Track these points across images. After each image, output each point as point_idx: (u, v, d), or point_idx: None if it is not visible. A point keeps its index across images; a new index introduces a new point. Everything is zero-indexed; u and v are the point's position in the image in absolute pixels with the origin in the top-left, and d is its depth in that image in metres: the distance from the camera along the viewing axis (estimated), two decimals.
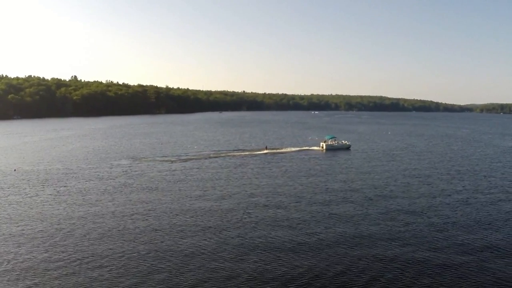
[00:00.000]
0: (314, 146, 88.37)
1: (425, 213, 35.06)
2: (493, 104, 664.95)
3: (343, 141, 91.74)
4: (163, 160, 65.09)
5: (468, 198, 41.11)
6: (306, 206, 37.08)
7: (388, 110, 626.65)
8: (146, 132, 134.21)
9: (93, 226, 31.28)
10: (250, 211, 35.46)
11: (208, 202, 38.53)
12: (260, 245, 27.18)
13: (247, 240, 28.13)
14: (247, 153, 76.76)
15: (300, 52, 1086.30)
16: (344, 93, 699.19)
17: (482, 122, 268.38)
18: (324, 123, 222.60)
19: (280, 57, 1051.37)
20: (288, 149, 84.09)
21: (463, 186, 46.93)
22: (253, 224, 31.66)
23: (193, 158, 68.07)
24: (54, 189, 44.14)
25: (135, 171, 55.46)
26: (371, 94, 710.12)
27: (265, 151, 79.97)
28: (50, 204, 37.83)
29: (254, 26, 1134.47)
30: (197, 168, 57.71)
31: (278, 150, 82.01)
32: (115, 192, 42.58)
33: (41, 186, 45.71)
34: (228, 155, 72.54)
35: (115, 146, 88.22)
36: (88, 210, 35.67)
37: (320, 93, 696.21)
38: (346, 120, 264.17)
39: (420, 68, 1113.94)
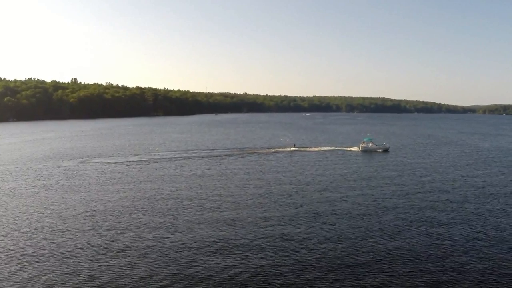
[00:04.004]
0: (353, 146, 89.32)
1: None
2: (496, 105, 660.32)
3: (384, 143, 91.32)
4: (109, 162, 68.08)
5: (396, 198, 43.36)
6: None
7: (389, 111, 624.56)
8: (127, 133, 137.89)
9: (7, 223, 34.65)
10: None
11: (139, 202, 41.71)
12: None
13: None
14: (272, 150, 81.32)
15: (303, 53, 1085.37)
16: (346, 95, 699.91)
17: (475, 123, 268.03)
18: (312, 124, 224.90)
19: (283, 58, 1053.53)
20: (319, 148, 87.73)
21: (405, 184, 49.37)
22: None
23: (147, 160, 71.29)
24: None
25: (75, 171, 58.74)
26: (373, 96, 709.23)
27: (293, 149, 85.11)
28: None
29: (257, 27, 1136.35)
30: (140, 169, 60.99)
31: (307, 149, 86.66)
32: (40, 191, 45.92)
33: None
34: (189, 157, 75.64)
35: (79, 147, 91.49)
36: (10, 207, 39.02)
37: (323, 94, 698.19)
38: (336, 121, 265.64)
39: (424, 69, 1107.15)
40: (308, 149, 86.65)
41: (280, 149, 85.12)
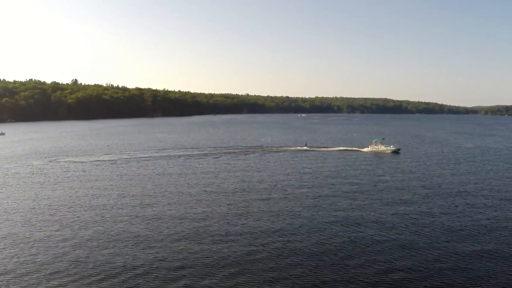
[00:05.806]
0: (365, 147, 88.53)
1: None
2: (498, 106, 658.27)
3: (395, 144, 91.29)
4: (77, 161, 69.85)
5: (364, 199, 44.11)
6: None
7: (391, 112, 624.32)
8: (116, 133, 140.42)
9: None
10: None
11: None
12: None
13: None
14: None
15: (304, 54, 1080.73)
16: (348, 96, 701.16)
17: (470, 124, 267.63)
18: (305, 124, 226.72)
19: (284, 59, 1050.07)
20: (330, 148, 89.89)
21: (370, 181, 50.67)
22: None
23: (117, 159, 73.22)
24: None
25: (40, 169, 60.70)
26: (375, 97, 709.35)
27: (304, 148, 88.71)
28: None
29: (258, 28, 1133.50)
30: (106, 168, 62.94)
31: (319, 149, 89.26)
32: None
33: None
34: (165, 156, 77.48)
35: (60, 146, 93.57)
36: None
37: (325, 95, 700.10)
38: (331, 122, 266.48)
39: (426, 70, 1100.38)
40: (319, 149, 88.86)
41: (292, 148, 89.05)
